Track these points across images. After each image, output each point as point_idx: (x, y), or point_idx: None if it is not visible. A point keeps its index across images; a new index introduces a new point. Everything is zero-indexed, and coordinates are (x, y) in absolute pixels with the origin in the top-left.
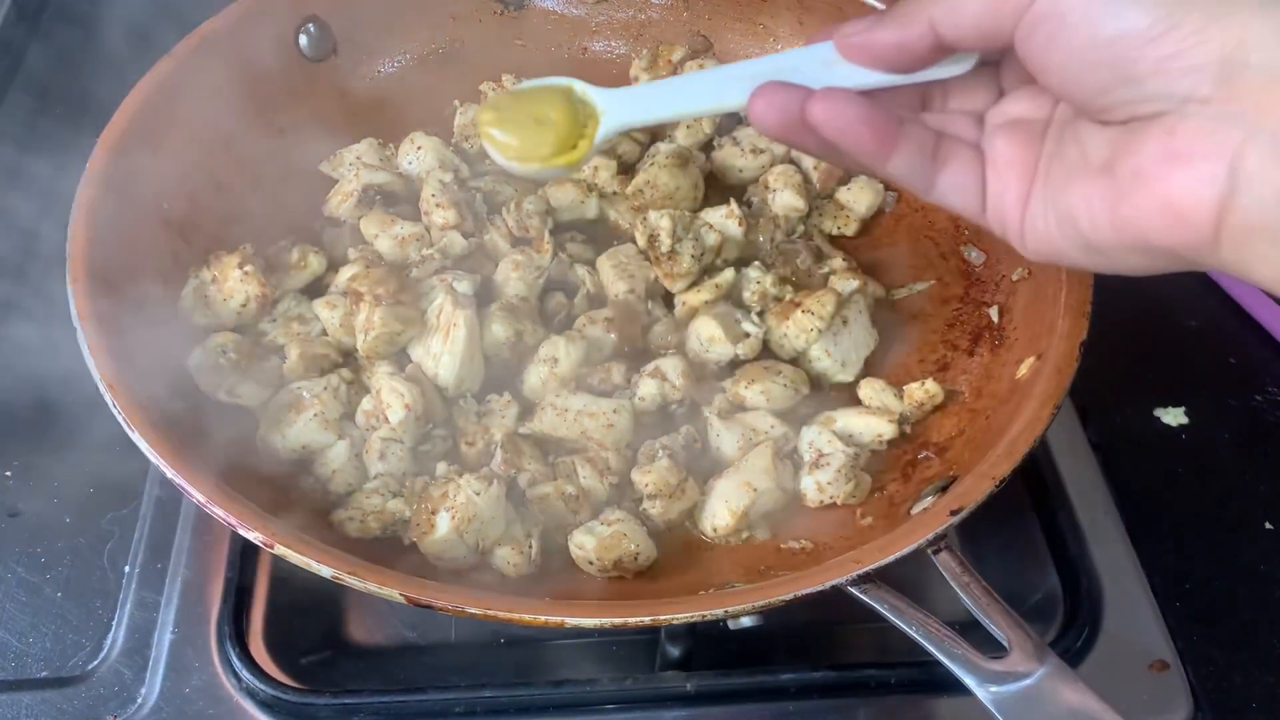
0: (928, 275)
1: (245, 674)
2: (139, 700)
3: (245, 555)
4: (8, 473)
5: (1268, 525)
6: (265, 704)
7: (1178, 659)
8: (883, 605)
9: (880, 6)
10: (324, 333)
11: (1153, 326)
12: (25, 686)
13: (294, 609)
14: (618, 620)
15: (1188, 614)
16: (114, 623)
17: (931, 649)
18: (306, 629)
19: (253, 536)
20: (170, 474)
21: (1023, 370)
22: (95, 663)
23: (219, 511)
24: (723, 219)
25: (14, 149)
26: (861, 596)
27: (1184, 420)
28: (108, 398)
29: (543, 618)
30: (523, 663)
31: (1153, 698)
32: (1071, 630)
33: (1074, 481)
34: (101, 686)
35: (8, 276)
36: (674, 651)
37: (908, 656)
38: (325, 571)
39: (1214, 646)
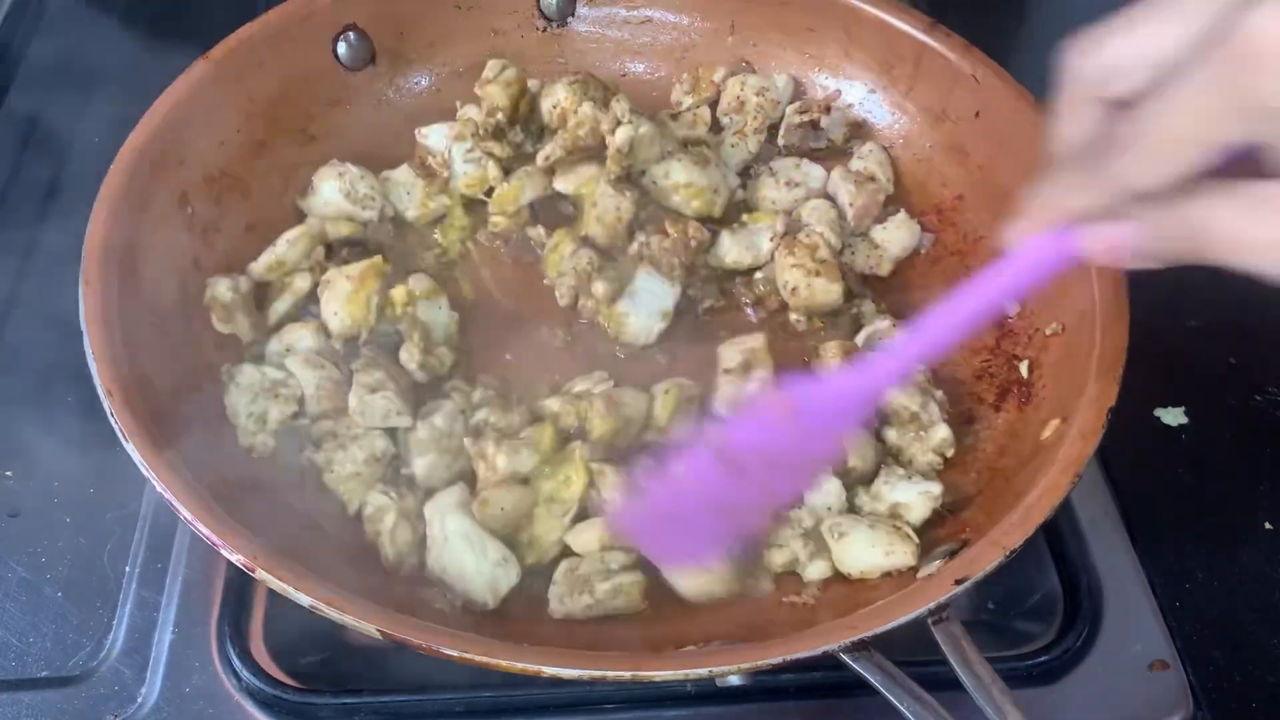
0: None
1: (245, 674)
2: (139, 700)
3: None
4: (8, 473)
5: (1268, 525)
6: (265, 704)
7: (1178, 659)
8: (874, 675)
9: (930, 41)
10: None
11: (1153, 326)
12: (25, 686)
13: (294, 608)
14: (596, 673)
15: (1188, 614)
16: (114, 623)
17: None
18: (306, 629)
19: (235, 559)
20: (160, 488)
21: (1047, 432)
22: (95, 662)
23: (203, 530)
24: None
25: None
26: (853, 665)
27: (1184, 420)
28: (105, 404)
29: (520, 665)
30: None
31: (1153, 698)
32: (1071, 630)
33: None
34: (101, 686)
35: (10, 274)
36: None
37: (909, 656)
38: (304, 600)
39: (1214, 646)
